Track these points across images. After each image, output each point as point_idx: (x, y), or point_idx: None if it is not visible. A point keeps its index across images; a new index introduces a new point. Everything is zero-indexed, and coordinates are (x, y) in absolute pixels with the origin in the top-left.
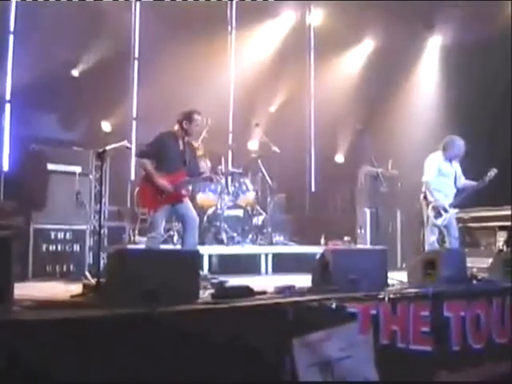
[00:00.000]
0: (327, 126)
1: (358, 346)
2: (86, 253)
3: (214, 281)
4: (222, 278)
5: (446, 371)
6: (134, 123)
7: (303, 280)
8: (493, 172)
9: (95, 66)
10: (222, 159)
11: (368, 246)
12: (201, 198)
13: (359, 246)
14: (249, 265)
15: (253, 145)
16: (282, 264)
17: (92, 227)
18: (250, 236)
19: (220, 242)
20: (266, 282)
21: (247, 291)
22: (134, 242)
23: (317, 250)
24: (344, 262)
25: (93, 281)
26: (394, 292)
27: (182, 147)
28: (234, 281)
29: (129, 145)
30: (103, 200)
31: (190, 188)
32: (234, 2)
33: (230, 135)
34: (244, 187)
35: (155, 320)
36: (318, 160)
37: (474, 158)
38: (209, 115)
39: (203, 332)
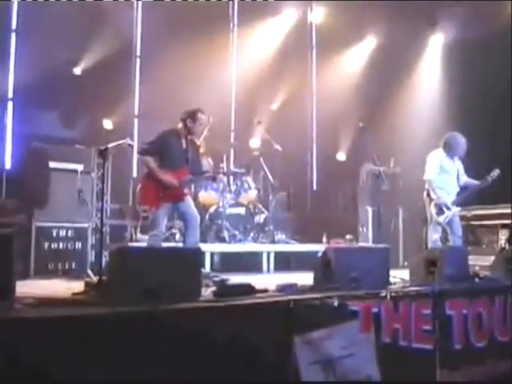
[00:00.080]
0: (329, 124)
1: (360, 344)
2: (88, 251)
3: (216, 279)
4: (223, 276)
5: (448, 369)
6: (136, 121)
7: (305, 278)
8: (495, 172)
9: (97, 65)
10: (224, 157)
11: (370, 244)
12: (203, 196)
13: (361, 244)
14: (251, 263)
15: (254, 143)
16: (284, 262)
17: (94, 225)
18: (252, 234)
19: (222, 240)
20: (267, 280)
21: (249, 289)
22: (136, 240)
23: (319, 248)
24: (346, 261)
25: (95, 279)
26: (396, 290)
27: (184, 145)
28: (235, 279)
29: (131, 142)
30: (105, 198)
31: (193, 186)
32: (235, 0)
33: (232, 133)
34: (246, 185)
35: (157, 318)
36: (319, 158)
37: (474, 156)
38: (210, 113)
39: (205, 330)
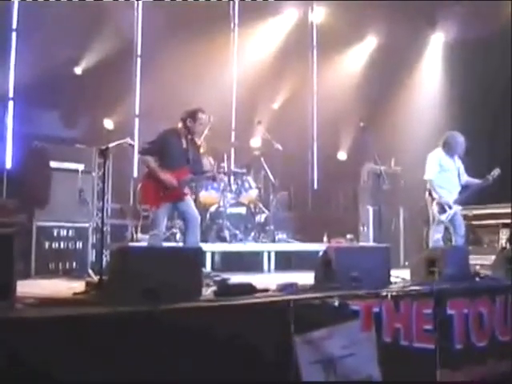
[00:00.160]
0: (330, 124)
1: (361, 343)
2: (89, 250)
3: (217, 278)
4: (224, 276)
5: (449, 369)
6: (137, 121)
7: (306, 278)
8: (496, 172)
9: (97, 64)
10: (225, 157)
11: (371, 244)
12: (203, 195)
13: (362, 244)
14: (251, 262)
15: (255, 142)
16: (285, 262)
17: (94, 225)
18: (253, 234)
19: (223, 239)
20: (268, 280)
21: (249, 289)
22: (137, 240)
23: (319, 247)
24: (347, 260)
25: (95, 278)
26: (397, 290)
27: (185, 145)
28: (236, 278)
29: (131, 142)
30: (106, 197)
31: (194, 185)
32: (236, 0)
33: (233, 133)
34: (246, 185)
35: (158, 317)
36: (320, 157)
37: (475, 155)
38: (211, 113)
39: (205, 329)
